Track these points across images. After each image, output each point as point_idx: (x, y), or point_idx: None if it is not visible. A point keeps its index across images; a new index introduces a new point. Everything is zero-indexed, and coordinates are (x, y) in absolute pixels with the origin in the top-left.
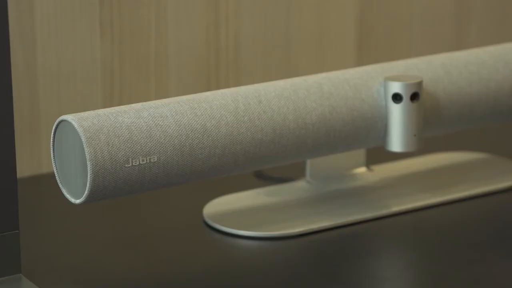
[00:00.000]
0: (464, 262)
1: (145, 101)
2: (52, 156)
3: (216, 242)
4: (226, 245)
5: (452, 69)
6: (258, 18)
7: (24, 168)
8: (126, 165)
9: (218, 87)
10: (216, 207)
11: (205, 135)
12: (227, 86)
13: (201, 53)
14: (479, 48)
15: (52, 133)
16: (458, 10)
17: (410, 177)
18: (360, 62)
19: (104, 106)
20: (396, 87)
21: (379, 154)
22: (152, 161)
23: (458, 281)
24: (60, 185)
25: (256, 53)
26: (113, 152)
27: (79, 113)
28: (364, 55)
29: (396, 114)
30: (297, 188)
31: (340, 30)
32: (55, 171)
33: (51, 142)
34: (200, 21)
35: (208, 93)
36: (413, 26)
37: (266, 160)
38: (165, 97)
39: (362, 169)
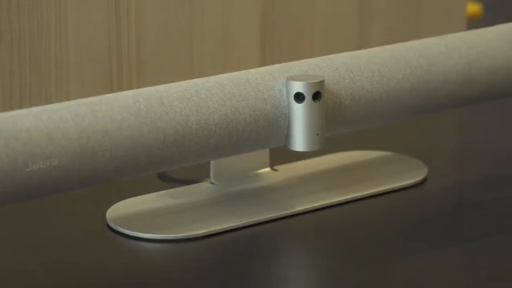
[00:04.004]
0: (369, 260)
1: (46, 104)
2: None
3: (120, 245)
4: (130, 248)
5: (353, 68)
6: (160, 19)
7: None
8: (26, 169)
9: (120, 89)
10: (119, 210)
11: (106, 138)
12: (130, 88)
13: (102, 55)
14: (380, 47)
15: None
16: (361, 10)
17: (314, 176)
18: (263, 63)
19: (4, 111)
20: (298, 86)
21: (283, 154)
22: (52, 164)
23: (363, 279)
24: None
25: (158, 54)
26: (12, 156)
27: None
28: (268, 55)
29: (299, 114)
30: (201, 190)
31: (243, 30)
32: None
33: None
34: (101, 23)
35: (109, 95)
36: (315, 26)
37: (169, 162)
38: (66, 100)
39: (266, 169)
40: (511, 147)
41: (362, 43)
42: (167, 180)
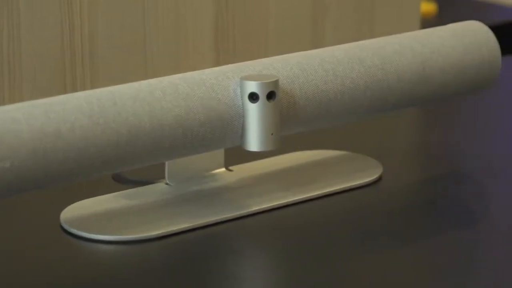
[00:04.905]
0: (326, 259)
1: None
2: None
3: (74, 247)
4: (84, 250)
5: (307, 67)
6: (113, 19)
7: None
8: None
9: (74, 90)
10: (74, 212)
11: (59, 139)
12: (83, 89)
13: (55, 55)
14: (334, 46)
15: None
16: (314, 9)
17: (270, 176)
18: (218, 63)
19: None
20: (252, 86)
21: (238, 154)
22: (5, 166)
23: (320, 279)
24: None
25: (112, 55)
26: None
27: None
28: (222, 55)
29: (253, 114)
30: (156, 190)
31: (197, 30)
32: None
33: None
34: (54, 23)
35: (61, 96)
36: (270, 26)
37: (123, 163)
38: (19, 101)
39: (221, 170)
40: (464, 146)
41: (316, 43)
42: (121, 181)
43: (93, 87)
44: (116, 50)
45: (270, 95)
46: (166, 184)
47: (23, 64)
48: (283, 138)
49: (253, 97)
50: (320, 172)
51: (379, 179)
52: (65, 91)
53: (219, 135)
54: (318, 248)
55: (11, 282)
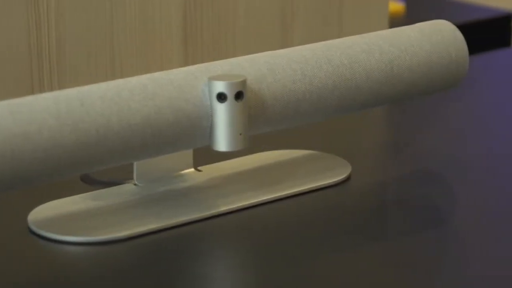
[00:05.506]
0: (295, 259)
1: None
2: None
3: (42, 249)
4: (52, 251)
5: (275, 67)
6: (81, 19)
7: None
8: None
9: (42, 91)
10: (41, 213)
11: (26, 140)
12: (51, 89)
13: (23, 56)
14: (302, 45)
15: None
16: (283, 9)
17: (239, 176)
18: (186, 63)
19: None
20: (220, 86)
21: (207, 154)
22: None
23: (290, 279)
24: None
25: (80, 55)
26: None
27: None
28: (190, 55)
29: (221, 114)
30: (124, 191)
31: (166, 30)
32: None
33: None
34: (21, 24)
35: (29, 97)
36: (238, 25)
37: (91, 163)
38: None
39: (190, 170)
40: (433, 145)
41: (285, 42)
42: (90, 182)
43: (60, 88)
44: (83, 51)
45: (238, 95)
46: (135, 184)
47: None
48: (252, 138)
49: (221, 97)
50: (288, 172)
51: (347, 179)
52: (32, 93)
53: (188, 135)
54: (288, 248)
55: None
